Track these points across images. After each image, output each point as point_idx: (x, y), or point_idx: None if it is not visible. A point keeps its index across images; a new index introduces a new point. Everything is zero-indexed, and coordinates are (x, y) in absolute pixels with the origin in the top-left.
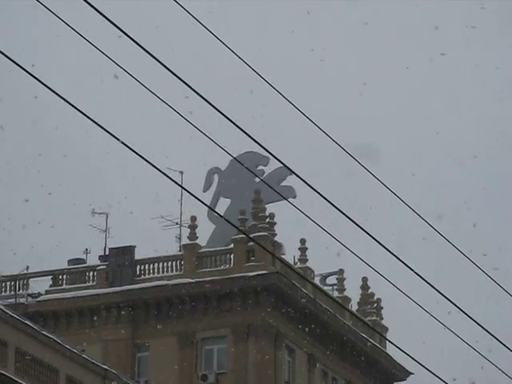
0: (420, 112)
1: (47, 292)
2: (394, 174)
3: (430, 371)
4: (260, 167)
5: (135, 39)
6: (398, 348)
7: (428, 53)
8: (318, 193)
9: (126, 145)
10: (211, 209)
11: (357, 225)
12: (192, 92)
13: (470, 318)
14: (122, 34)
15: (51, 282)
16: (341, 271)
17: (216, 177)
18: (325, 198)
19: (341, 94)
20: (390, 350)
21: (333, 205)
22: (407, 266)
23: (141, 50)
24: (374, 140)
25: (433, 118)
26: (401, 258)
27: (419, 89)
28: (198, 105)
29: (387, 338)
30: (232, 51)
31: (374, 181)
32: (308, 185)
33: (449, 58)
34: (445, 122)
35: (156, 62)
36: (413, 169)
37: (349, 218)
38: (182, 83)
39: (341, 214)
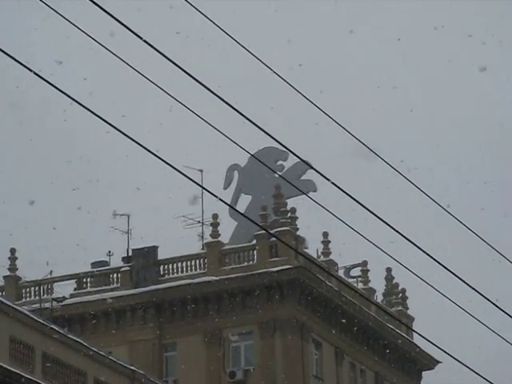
0: (420, 112)
1: (72, 296)
2: (393, 175)
3: (458, 360)
4: (279, 162)
5: (149, 41)
6: (425, 338)
7: (429, 53)
8: (338, 187)
9: (144, 147)
10: (231, 207)
11: (379, 218)
12: (206, 89)
13: (495, 305)
14: (136, 37)
15: (75, 286)
16: (364, 263)
17: (236, 173)
18: (344, 192)
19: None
20: (417, 339)
21: (353, 198)
22: (431, 257)
23: (151, 49)
24: (374, 140)
25: (433, 117)
26: (424, 249)
27: (419, 88)
28: (215, 102)
29: (414, 327)
30: (243, 46)
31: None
32: (327, 179)
33: (453, 62)
34: (445, 122)
35: (171, 62)
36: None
37: (370, 211)
38: (197, 82)
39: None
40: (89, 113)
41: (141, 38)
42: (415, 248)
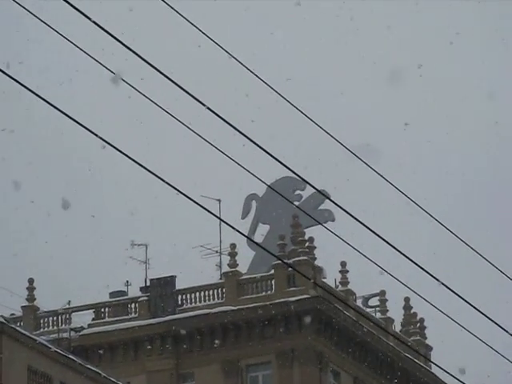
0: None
1: (90, 326)
2: (394, 176)
3: None
4: (297, 192)
5: (155, 65)
6: (443, 369)
7: (428, 53)
8: (355, 218)
9: (161, 178)
10: (248, 238)
11: (396, 249)
12: (224, 121)
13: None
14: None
15: (93, 316)
16: (382, 292)
17: (254, 203)
18: (363, 224)
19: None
20: (436, 369)
21: (371, 230)
22: (449, 288)
23: (163, 77)
24: (374, 140)
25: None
26: (442, 281)
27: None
28: (232, 132)
29: (432, 356)
30: (237, 59)
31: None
32: (344, 210)
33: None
34: (447, 123)
35: (191, 97)
36: (413, 169)
37: (387, 243)
38: (215, 114)
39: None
40: (101, 142)
41: (159, 71)
42: (433, 278)
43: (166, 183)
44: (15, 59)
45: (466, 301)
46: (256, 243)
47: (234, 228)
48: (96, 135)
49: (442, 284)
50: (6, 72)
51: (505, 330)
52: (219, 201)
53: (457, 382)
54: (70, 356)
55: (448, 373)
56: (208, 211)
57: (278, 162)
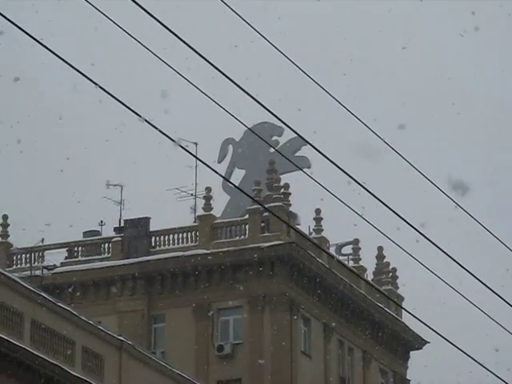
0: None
1: (62, 264)
2: (393, 174)
3: (447, 339)
4: (274, 137)
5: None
6: (414, 316)
7: (427, 53)
8: (332, 162)
9: (140, 116)
10: (226, 179)
11: (372, 194)
12: (206, 62)
13: (486, 285)
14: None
15: (66, 254)
16: (356, 241)
17: (231, 147)
18: (339, 168)
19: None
20: (406, 319)
21: (347, 174)
22: (422, 234)
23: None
24: (374, 140)
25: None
26: (416, 227)
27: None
28: (213, 75)
29: (403, 307)
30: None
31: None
32: (322, 154)
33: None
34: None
35: (172, 34)
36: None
37: (364, 188)
38: (196, 53)
39: (355, 184)
40: (84, 79)
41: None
42: (408, 227)
43: (147, 122)
44: None
45: (438, 246)
46: (233, 184)
47: (211, 168)
48: (78, 70)
49: (413, 228)
50: None
51: (478, 279)
52: (196, 144)
53: (427, 331)
54: (42, 294)
55: (420, 320)
56: (186, 150)
57: (256, 107)
